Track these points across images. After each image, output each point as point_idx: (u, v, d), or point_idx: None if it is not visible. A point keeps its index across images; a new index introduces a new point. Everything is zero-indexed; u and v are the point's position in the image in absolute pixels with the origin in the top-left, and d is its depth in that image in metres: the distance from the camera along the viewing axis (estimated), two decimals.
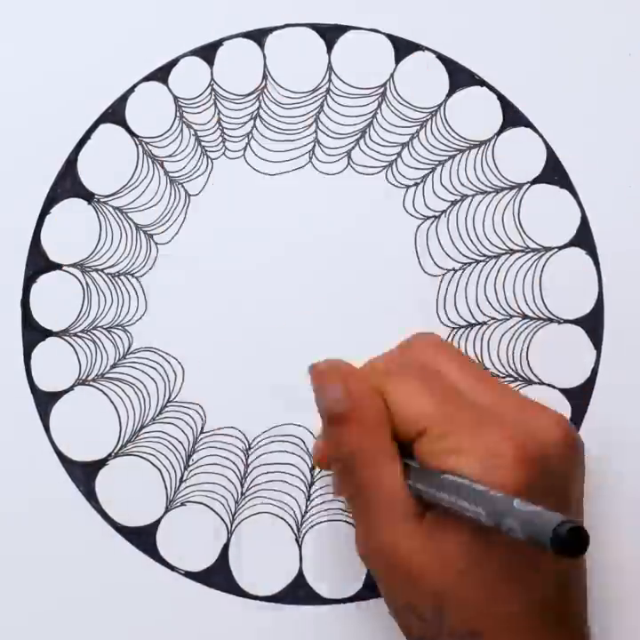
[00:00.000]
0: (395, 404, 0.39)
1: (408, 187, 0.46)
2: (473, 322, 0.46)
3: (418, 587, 0.37)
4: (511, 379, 0.45)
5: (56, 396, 0.45)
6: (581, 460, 0.40)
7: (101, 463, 0.45)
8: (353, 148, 0.46)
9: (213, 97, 0.46)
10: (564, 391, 0.45)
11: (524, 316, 0.46)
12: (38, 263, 0.45)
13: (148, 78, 0.46)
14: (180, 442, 0.45)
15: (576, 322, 0.46)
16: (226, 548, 0.45)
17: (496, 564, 0.37)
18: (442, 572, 0.37)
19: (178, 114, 0.46)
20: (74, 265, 0.46)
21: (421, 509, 0.38)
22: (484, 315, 0.46)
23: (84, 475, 0.45)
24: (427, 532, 0.37)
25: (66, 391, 0.45)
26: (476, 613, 0.37)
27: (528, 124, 0.45)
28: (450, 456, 0.37)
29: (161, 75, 0.46)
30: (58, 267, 0.46)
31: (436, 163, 0.46)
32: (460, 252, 0.46)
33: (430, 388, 0.39)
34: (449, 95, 0.46)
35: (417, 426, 0.38)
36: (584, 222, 0.45)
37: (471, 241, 0.46)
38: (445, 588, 0.37)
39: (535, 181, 0.46)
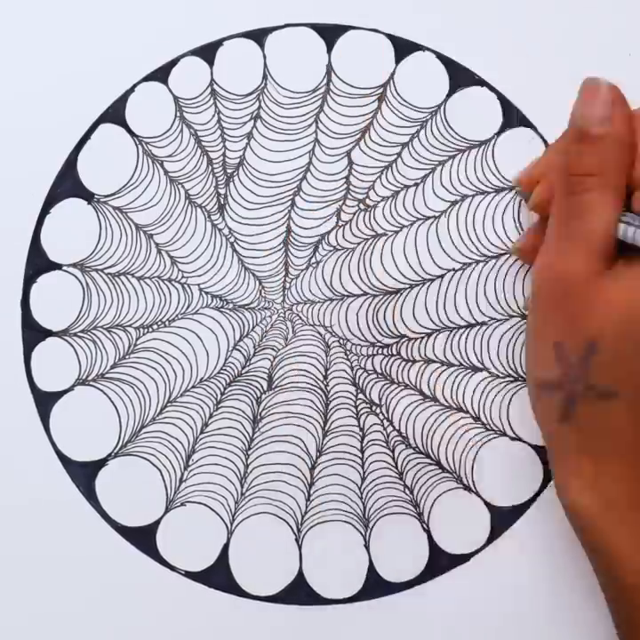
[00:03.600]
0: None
1: (408, 187, 0.46)
2: (473, 322, 0.46)
3: (582, 322, 0.37)
4: (511, 379, 0.45)
5: (56, 395, 0.45)
6: None
7: (101, 463, 0.45)
8: (353, 148, 0.46)
9: (213, 97, 0.46)
10: None
11: (524, 316, 0.46)
12: (38, 263, 0.45)
13: (147, 78, 0.46)
14: (179, 442, 0.45)
15: None
16: (226, 548, 0.45)
17: None
18: (608, 316, 0.37)
19: (178, 114, 0.46)
20: (74, 265, 0.46)
21: (618, 255, 0.38)
22: (484, 315, 0.46)
23: (84, 475, 0.45)
24: (614, 274, 0.37)
25: (66, 391, 0.45)
26: (622, 373, 0.36)
27: (528, 124, 0.45)
28: None
29: (161, 75, 0.46)
30: (58, 267, 0.46)
31: (436, 163, 0.46)
32: (460, 252, 0.46)
33: None
34: (449, 95, 0.46)
35: None
36: None
37: (471, 241, 0.46)
38: (606, 334, 0.36)
39: None
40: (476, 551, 0.45)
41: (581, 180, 0.38)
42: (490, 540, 0.45)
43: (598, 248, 0.38)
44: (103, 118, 0.46)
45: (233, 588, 0.45)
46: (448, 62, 0.46)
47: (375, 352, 0.46)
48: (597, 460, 0.38)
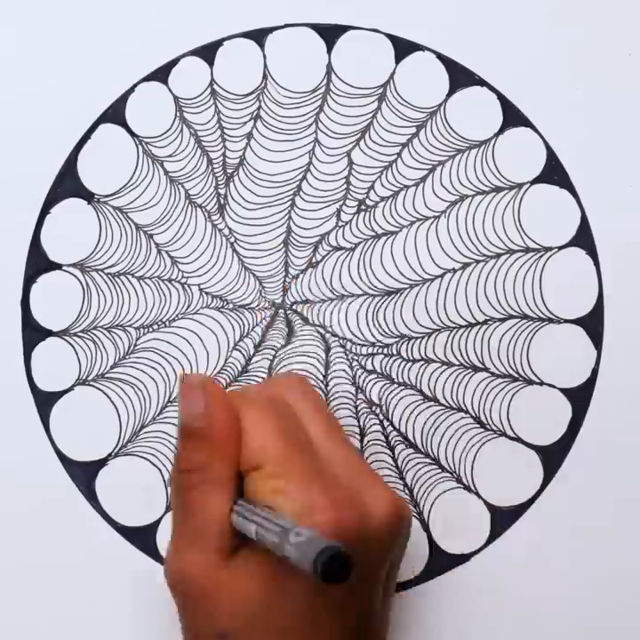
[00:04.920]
0: (241, 433, 0.38)
1: (408, 187, 0.46)
2: (473, 322, 0.46)
3: (209, 620, 0.37)
4: (511, 379, 0.45)
5: (56, 395, 0.45)
6: (402, 541, 0.40)
7: (101, 463, 0.45)
8: (353, 148, 0.46)
9: (213, 97, 0.46)
10: (564, 391, 0.45)
11: (524, 316, 0.46)
12: (38, 263, 0.45)
13: (147, 78, 0.46)
14: None
15: (576, 322, 0.46)
16: None
17: (289, 608, 0.36)
18: (233, 612, 0.37)
19: (178, 114, 0.46)
20: (74, 265, 0.46)
21: (237, 545, 0.37)
22: (484, 315, 0.46)
23: (84, 475, 0.45)
24: (234, 569, 0.37)
25: (66, 391, 0.45)
26: None
27: (528, 124, 0.45)
28: (275, 495, 0.37)
29: (161, 75, 0.46)
30: (58, 267, 0.46)
31: (436, 163, 0.46)
32: (460, 252, 0.46)
33: (280, 426, 0.38)
34: (449, 95, 0.46)
35: (252, 461, 0.38)
36: (584, 222, 0.45)
37: (471, 241, 0.46)
38: (232, 630, 0.37)
39: (535, 181, 0.46)
40: (476, 551, 0.45)
41: (188, 477, 0.38)
42: (490, 540, 0.45)
43: (213, 543, 0.37)
44: (103, 118, 0.46)
45: None
46: (448, 62, 0.46)
47: (375, 352, 0.46)
48: None
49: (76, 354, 0.46)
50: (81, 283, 0.46)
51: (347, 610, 0.37)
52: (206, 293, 0.46)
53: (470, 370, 0.46)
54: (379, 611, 0.39)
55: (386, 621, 0.41)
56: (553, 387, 0.45)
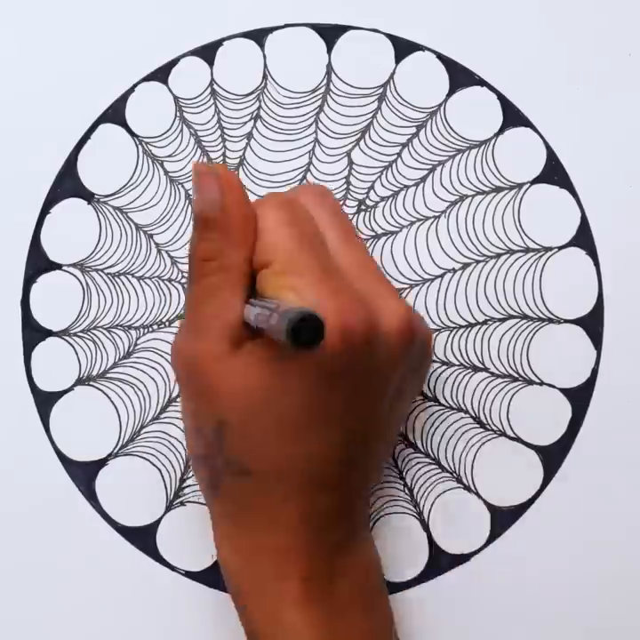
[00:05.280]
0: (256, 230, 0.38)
1: (408, 187, 0.46)
2: (473, 322, 0.46)
3: (212, 401, 0.37)
4: (511, 379, 0.45)
5: (56, 395, 0.45)
6: (414, 356, 0.39)
7: (101, 463, 0.45)
8: (353, 147, 0.46)
9: (213, 97, 0.46)
10: (564, 391, 0.45)
11: (524, 316, 0.46)
12: (38, 263, 0.45)
13: (148, 78, 0.46)
14: (180, 442, 0.45)
15: (576, 322, 0.46)
16: None
17: (289, 402, 0.36)
18: (233, 402, 0.37)
19: (178, 114, 0.46)
20: (74, 265, 0.46)
21: (245, 339, 0.37)
22: (484, 315, 0.46)
23: (84, 475, 0.45)
24: (239, 358, 0.37)
25: (66, 391, 0.45)
26: (251, 454, 0.37)
27: (528, 124, 0.45)
28: (284, 291, 0.36)
29: (161, 75, 0.46)
30: (58, 267, 0.46)
31: (436, 163, 0.46)
32: (460, 252, 0.46)
33: (294, 224, 0.38)
34: (449, 95, 0.46)
35: (264, 257, 0.38)
36: (584, 222, 0.45)
37: (471, 241, 0.46)
38: (232, 415, 0.37)
39: (535, 181, 0.46)
40: (476, 551, 0.45)
41: (202, 265, 0.38)
42: (490, 540, 0.45)
43: (224, 331, 0.37)
44: (103, 118, 0.46)
45: None
46: (448, 62, 0.46)
47: None
48: (239, 527, 0.39)
49: (76, 354, 0.46)
50: (81, 283, 0.46)
51: (348, 412, 0.37)
52: None
53: (470, 370, 0.46)
54: (382, 421, 0.39)
55: (392, 436, 0.41)
56: (553, 387, 0.45)
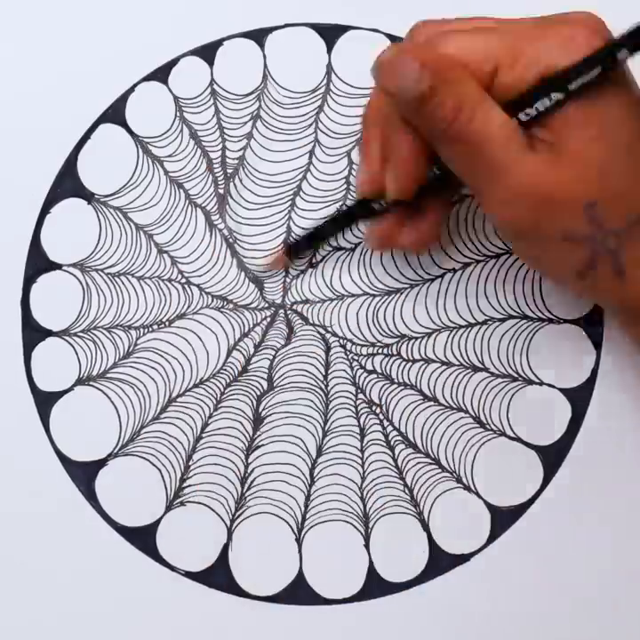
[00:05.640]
0: (463, 57, 0.37)
1: None
2: (473, 322, 0.46)
3: (567, 202, 0.36)
4: (511, 379, 0.45)
5: (56, 396, 0.45)
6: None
7: (101, 463, 0.45)
8: (353, 148, 0.46)
9: (213, 97, 0.46)
10: (564, 391, 0.45)
11: (524, 316, 0.46)
12: (38, 263, 0.45)
13: (147, 78, 0.46)
14: (179, 442, 0.45)
15: (576, 322, 0.46)
16: (226, 548, 0.45)
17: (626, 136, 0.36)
18: (581, 178, 0.36)
19: (178, 114, 0.46)
20: (74, 265, 0.46)
21: (531, 140, 0.37)
22: (484, 315, 0.46)
23: (84, 475, 0.45)
24: (548, 152, 0.36)
25: (66, 391, 0.45)
26: (629, 201, 0.36)
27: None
28: (529, 66, 0.36)
29: (161, 75, 0.46)
30: (58, 267, 0.46)
31: None
32: (460, 252, 0.46)
33: (487, 30, 0.37)
34: None
35: (488, 65, 0.37)
36: None
37: (471, 241, 0.46)
38: (592, 192, 0.36)
39: None
40: (476, 551, 0.45)
41: (458, 123, 0.36)
42: (490, 540, 0.45)
43: (517, 151, 0.36)
44: (103, 118, 0.46)
45: (233, 588, 0.45)
46: None
47: (375, 352, 0.46)
48: None
49: (76, 354, 0.46)
50: (81, 283, 0.46)
51: None
52: (206, 293, 0.46)
53: (470, 370, 0.46)
54: None
55: None
56: (553, 387, 0.45)
